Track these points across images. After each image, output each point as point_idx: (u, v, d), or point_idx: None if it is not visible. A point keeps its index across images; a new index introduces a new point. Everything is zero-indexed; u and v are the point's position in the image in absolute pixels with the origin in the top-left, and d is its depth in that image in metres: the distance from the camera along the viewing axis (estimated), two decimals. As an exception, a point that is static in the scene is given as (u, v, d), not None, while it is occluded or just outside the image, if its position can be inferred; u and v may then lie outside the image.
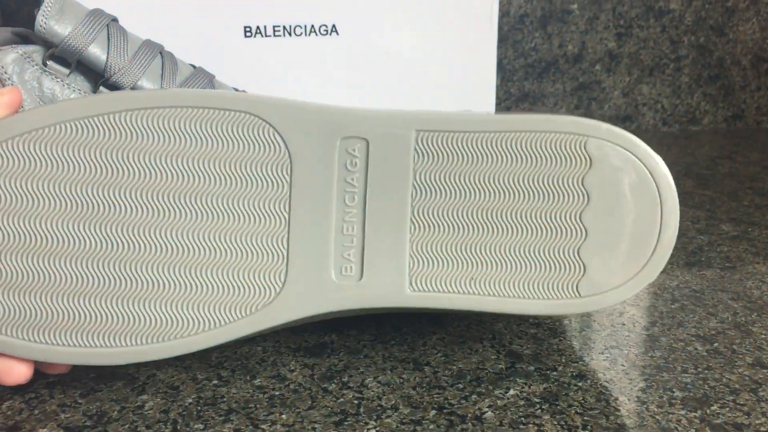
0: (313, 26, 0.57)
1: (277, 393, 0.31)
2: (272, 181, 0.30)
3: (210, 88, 0.40)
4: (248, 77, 0.56)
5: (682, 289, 0.40)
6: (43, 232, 0.29)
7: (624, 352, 0.34)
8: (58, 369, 0.31)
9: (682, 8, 0.74)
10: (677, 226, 0.31)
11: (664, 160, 0.31)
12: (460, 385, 0.31)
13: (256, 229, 0.30)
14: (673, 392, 0.31)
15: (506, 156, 0.30)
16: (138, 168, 0.29)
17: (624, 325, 0.37)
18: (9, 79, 0.34)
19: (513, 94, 0.74)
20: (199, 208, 0.29)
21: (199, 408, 0.30)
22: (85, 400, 0.30)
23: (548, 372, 0.32)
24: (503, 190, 0.31)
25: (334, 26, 0.57)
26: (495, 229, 0.31)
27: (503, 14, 0.71)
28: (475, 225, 0.31)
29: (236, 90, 0.42)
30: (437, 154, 0.30)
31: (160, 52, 0.39)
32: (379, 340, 0.35)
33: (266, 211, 0.30)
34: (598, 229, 0.31)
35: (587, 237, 0.31)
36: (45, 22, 0.35)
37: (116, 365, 0.30)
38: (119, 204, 0.29)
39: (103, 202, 0.29)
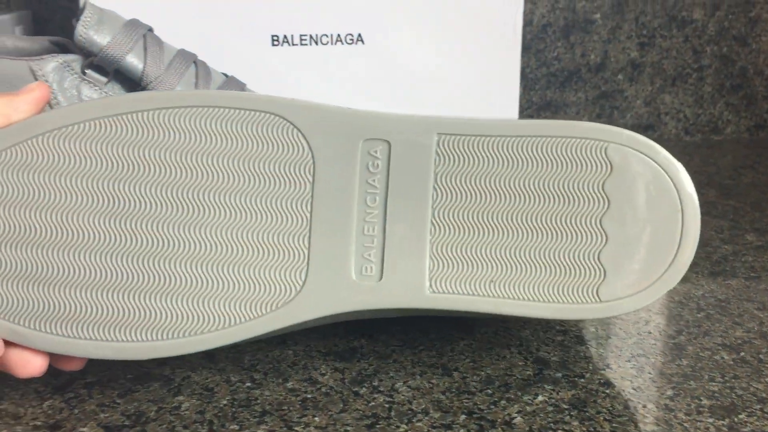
0: (339, 35, 0.57)
1: (309, 396, 0.32)
2: (295, 181, 0.31)
3: (242, 96, 0.41)
4: (275, 85, 0.56)
5: (708, 299, 0.41)
6: (68, 225, 0.30)
7: (651, 361, 0.34)
8: (72, 364, 0.31)
9: (705, 18, 0.74)
10: (698, 234, 0.31)
11: (686, 169, 0.31)
12: (489, 391, 0.32)
13: (278, 227, 0.31)
14: (701, 401, 0.31)
15: (527, 160, 0.31)
16: (163, 165, 0.30)
17: (650, 333, 0.37)
18: (50, 86, 0.35)
19: (535, 103, 0.74)
20: (221, 205, 0.30)
21: (233, 409, 0.31)
22: (123, 400, 0.31)
23: (576, 379, 0.33)
24: (524, 194, 0.31)
25: (359, 35, 0.58)
26: (515, 232, 0.31)
27: (526, 23, 0.72)
28: (495, 227, 0.31)
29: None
30: (458, 158, 0.31)
31: (194, 61, 0.40)
32: (407, 345, 0.36)
33: (288, 210, 0.31)
34: (618, 234, 0.31)
35: (607, 242, 0.31)
36: (85, 32, 0.36)
37: (135, 360, 0.31)
38: (143, 200, 0.30)
39: (127, 198, 0.30)
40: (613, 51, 0.74)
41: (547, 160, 0.31)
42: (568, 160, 0.31)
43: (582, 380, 0.33)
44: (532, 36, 0.72)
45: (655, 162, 0.31)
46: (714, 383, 0.32)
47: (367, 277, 0.31)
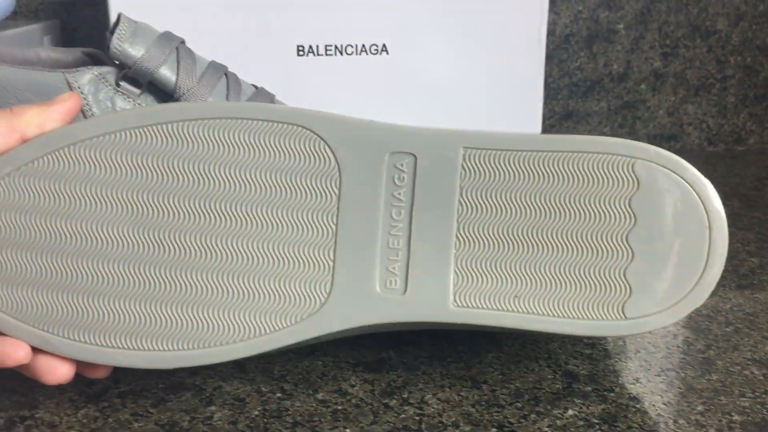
0: (364, 45, 0.58)
1: (339, 407, 0.32)
2: (321, 193, 0.31)
3: (271, 107, 0.41)
4: (301, 95, 0.57)
5: (736, 312, 0.41)
6: (98, 235, 0.30)
7: (680, 375, 0.34)
8: (98, 372, 0.32)
9: (729, 28, 0.74)
10: (726, 251, 0.31)
11: (710, 179, 0.31)
12: (519, 404, 0.32)
13: (304, 238, 0.31)
14: (732, 416, 0.31)
15: (553, 175, 0.31)
16: (191, 176, 0.30)
17: (679, 347, 0.37)
18: (85, 98, 0.36)
19: (557, 113, 0.74)
20: (248, 216, 0.31)
21: (265, 420, 0.31)
22: (156, 410, 0.32)
23: (605, 393, 0.33)
24: (550, 209, 0.31)
25: (384, 46, 0.58)
26: (540, 247, 0.31)
27: (549, 33, 0.72)
28: (520, 242, 0.31)
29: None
30: (484, 172, 0.31)
31: (225, 73, 0.40)
32: (435, 357, 0.36)
33: (314, 222, 0.31)
34: (644, 251, 0.31)
35: (634, 258, 0.31)
36: (119, 45, 0.36)
37: (161, 368, 0.31)
38: (172, 210, 0.30)
39: (156, 208, 0.30)
40: (636, 61, 0.74)
41: (573, 176, 0.31)
42: (595, 176, 0.31)
43: (612, 394, 0.33)
44: (554, 46, 0.72)
45: (683, 178, 0.31)
46: (745, 399, 0.32)
47: (392, 291, 0.31)
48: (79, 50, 0.42)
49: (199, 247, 0.30)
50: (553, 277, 0.31)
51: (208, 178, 0.30)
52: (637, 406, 0.32)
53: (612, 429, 0.30)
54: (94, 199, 0.30)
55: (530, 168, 0.31)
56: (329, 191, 0.31)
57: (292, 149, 0.31)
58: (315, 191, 0.31)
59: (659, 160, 0.31)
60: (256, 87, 0.42)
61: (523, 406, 0.32)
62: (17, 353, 0.29)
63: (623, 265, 0.31)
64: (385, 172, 0.31)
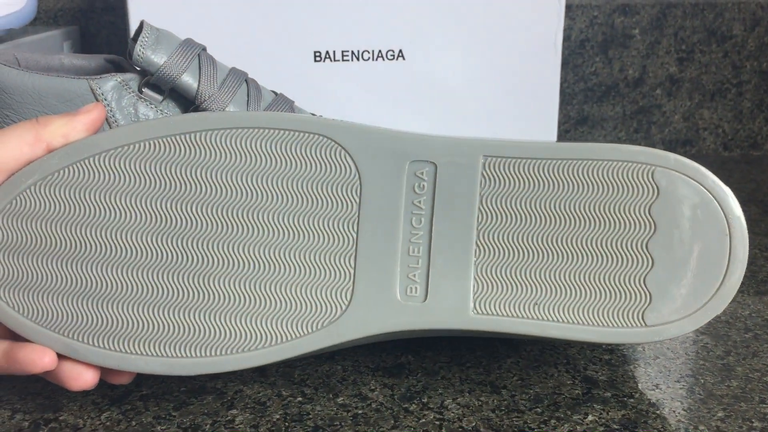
0: (380, 51, 0.58)
1: (360, 412, 0.32)
2: (341, 201, 0.31)
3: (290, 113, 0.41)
4: (317, 100, 0.57)
5: (755, 318, 0.41)
6: (122, 243, 0.30)
7: (700, 381, 0.34)
8: (121, 378, 0.32)
9: (745, 33, 0.74)
10: (746, 258, 0.31)
11: (726, 185, 0.31)
12: (539, 410, 0.32)
13: (325, 247, 0.31)
14: (752, 422, 0.31)
15: (573, 183, 0.31)
16: (214, 184, 0.31)
17: (698, 353, 0.37)
18: (108, 105, 0.36)
19: (572, 118, 0.74)
20: (270, 224, 0.31)
21: (286, 424, 0.31)
22: (178, 413, 0.32)
23: (625, 399, 0.33)
24: (569, 217, 0.31)
25: (400, 51, 0.58)
26: (560, 255, 0.31)
27: (564, 38, 0.72)
28: (540, 250, 0.31)
29: (314, 116, 0.43)
30: (504, 180, 0.31)
31: (245, 80, 0.41)
32: (454, 362, 0.36)
33: (335, 230, 0.31)
34: (664, 258, 0.31)
35: (653, 266, 0.31)
36: (142, 52, 0.37)
37: (182, 375, 0.31)
38: (195, 219, 0.31)
39: (180, 217, 0.31)
40: (652, 66, 0.74)
41: (593, 183, 0.31)
42: (614, 184, 0.31)
43: (631, 400, 0.33)
44: (570, 51, 0.72)
45: (703, 186, 0.31)
46: (765, 405, 0.32)
47: (412, 298, 0.32)
48: (102, 57, 0.42)
49: (221, 256, 0.31)
50: (572, 284, 0.31)
51: (231, 188, 0.31)
52: (657, 411, 0.32)
53: (632, 435, 0.30)
54: (119, 209, 0.31)
55: (550, 176, 0.31)
56: (350, 200, 0.31)
57: (313, 158, 0.31)
58: (336, 200, 0.31)
59: (679, 168, 0.31)
60: (275, 93, 0.42)
61: (543, 412, 0.32)
62: (43, 360, 0.30)
63: (643, 272, 0.31)
64: (405, 181, 0.31)
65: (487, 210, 0.31)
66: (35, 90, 0.36)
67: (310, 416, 0.32)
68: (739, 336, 0.39)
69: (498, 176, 0.31)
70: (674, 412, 0.32)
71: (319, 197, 0.31)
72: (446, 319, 0.32)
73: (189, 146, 0.31)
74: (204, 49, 0.39)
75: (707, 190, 0.31)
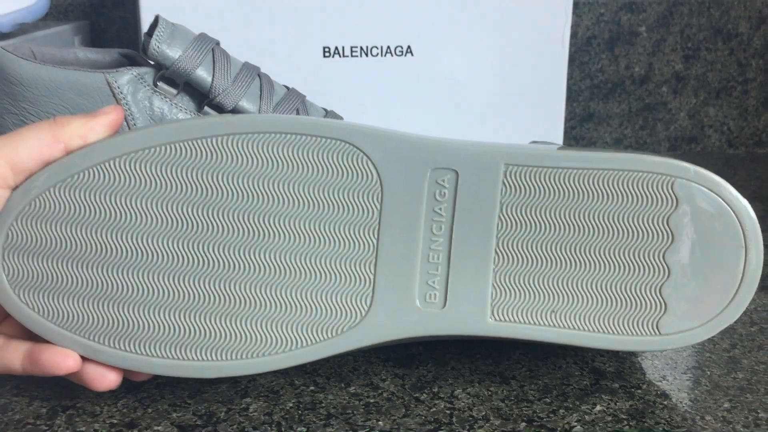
0: (389, 47, 0.59)
1: (372, 401, 0.32)
2: (363, 208, 0.31)
3: (302, 108, 0.42)
4: (326, 95, 0.58)
5: (760, 312, 0.41)
6: (144, 247, 0.30)
7: (706, 373, 0.35)
8: (142, 376, 0.32)
9: (751, 31, 0.74)
10: (760, 271, 0.31)
11: (730, 182, 0.31)
12: (548, 400, 0.33)
13: (345, 253, 0.31)
14: (758, 413, 0.32)
15: (593, 192, 0.31)
16: (236, 190, 0.31)
17: (704, 346, 0.37)
18: (124, 98, 0.37)
19: (578, 114, 0.75)
20: (291, 230, 0.31)
21: (300, 412, 0.32)
22: (193, 400, 0.32)
23: (633, 390, 0.33)
24: (588, 226, 0.31)
25: (409, 47, 0.59)
26: (578, 264, 0.32)
27: (571, 36, 0.72)
28: (558, 258, 0.31)
29: (326, 110, 0.44)
30: (524, 188, 0.31)
31: (258, 74, 0.41)
32: (464, 353, 0.36)
33: (355, 237, 0.31)
34: (680, 269, 0.31)
35: (669, 276, 0.31)
36: (158, 46, 0.37)
37: (202, 378, 0.32)
38: (216, 224, 0.31)
39: (200, 222, 0.31)
40: (658, 63, 0.74)
41: (613, 193, 0.31)
42: (634, 194, 0.31)
43: (639, 391, 0.33)
44: (576, 48, 0.73)
45: (721, 198, 0.31)
46: (770, 397, 0.33)
47: (431, 305, 0.32)
48: (116, 51, 0.43)
49: (241, 261, 0.31)
50: (589, 292, 0.32)
51: (252, 193, 0.31)
52: (665, 402, 0.32)
53: (640, 424, 0.31)
54: (141, 212, 0.30)
55: (571, 185, 0.31)
56: (371, 206, 0.31)
57: (335, 164, 0.31)
58: (357, 206, 0.31)
59: (698, 180, 0.31)
60: (287, 87, 0.43)
61: (552, 402, 0.32)
62: (66, 362, 0.30)
63: (659, 282, 0.31)
64: (426, 188, 0.31)
65: (508, 218, 0.31)
66: (52, 83, 0.37)
67: (323, 404, 0.32)
68: (745, 329, 0.39)
69: (519, 184, 0.31)
70: (681, 402, 0.32)
71: (340, 203, 0.31)
72: (464, 326, 0.32)
73: (211, 150, 0.30)
74: (218, 43, 0.40)
75: (725, 202, 0.31)
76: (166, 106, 0.38)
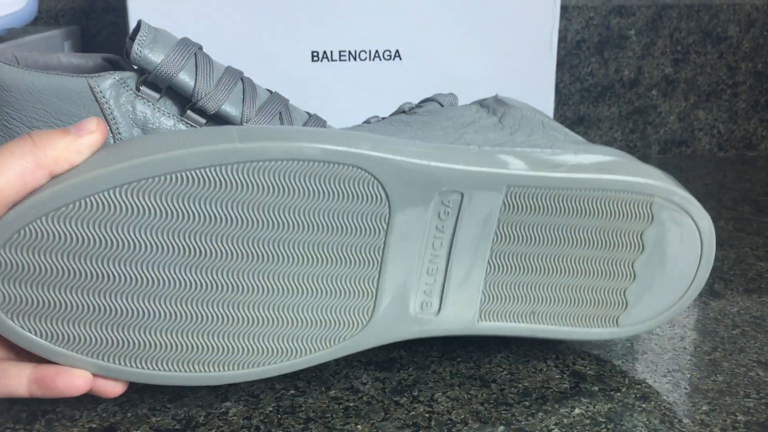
0: (377, 51, 0.59)
1: (351, 404, 0.33)
2: (370, 229, 0.31)
3: (285, 112, 0.42)
4: (315, 99, 0.58)
5: (743, 315, 0.41)
6: (148, 275, 0.29)
7: (686, 376, 0.35)
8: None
9: (740, 35, 0.74)
10: (707, 277, 0.35)
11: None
12: (527, 403, 0.33)
13: (351, 272, 0.31)
14: (737, 416, 0.32)
15: (582, 210, 0.33)
16: (243, 217, 0.29)
17: (686, 349, 0.37)
18: (106, 103, 0.37)
19: (568, 118, 0.75)
20: (299, 254, 0.31)
21: (279, 416, 0.32)
22: (173, 405, 0.32)
23: (612, 393, 0.33)
24: (574, 239, 0.33)
25: (397, 51, 0.59)
26: (560, 272, 0.34)
27: (560, 39, 0.72)
28: (544, 268, 0.34)
29: (309, 114, 0.44)
30: (522, 207, 0.32)
31: (241, 78, 0.41)
32: (446, 357, 0.37)
33: (361, 256, 0.31)
34: (645, 274, 0.34)
35: (635, 280, 0.34)
36: (140, 51, 0.37)
37: (212, 386, 0.32)
38: (222, 251, 0.30)
39: (207, 249, 0.29)
40: (647, 67, 0.74)
41: (599, 211, 0.33)
42: (617, 212, 0.33)
43: (618, 394, 0.33)
44: (566, 52, 0.73)
45: (690, 215, 0.34)
46: (749, 399, 0.33)
47: (427, 312, 0.33)
48: (99, 56, 0.43)
49: (248, 284, 0.30)
50: (567, 296, 0.34)
51: (261, 220, 0.30)
52: (643, 405, 0.32)
53: (617, 427, 0.31)
54: (143, 242, 0.29)
55: (564, 204, 0.33)
56: (378, 227, 0.31)
57: (345, 189, 0.30)
58: (365, 228, 0.31)
59: (673, 199, 0.33)
60: (270, 91, 0.43)
61: (531, 405, 0.32)
62: (82, 384, 0.29)
63: (625, 286, 0.34)
64: (432, 208, 0.32)
65: (504, 233, 0.33)
66: (35, 88, 0.37)
67: (302, 408, 0.32)
68: (727, 332, 0.39)
69: (517, 204, 0.32)
70: (660, 406, 0.32)
71: (348, 226, 0.31)
72: (455, 329, 0.34)
73: (218, 180, 0.29)
74: (200, 48, 0.40)
75: (693, 220, 0.34)
76: (149, 110, 0.38)
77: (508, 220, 0.32)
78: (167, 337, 0.30)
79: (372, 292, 0.32)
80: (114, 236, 0.28)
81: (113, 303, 0.29)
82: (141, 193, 0.28)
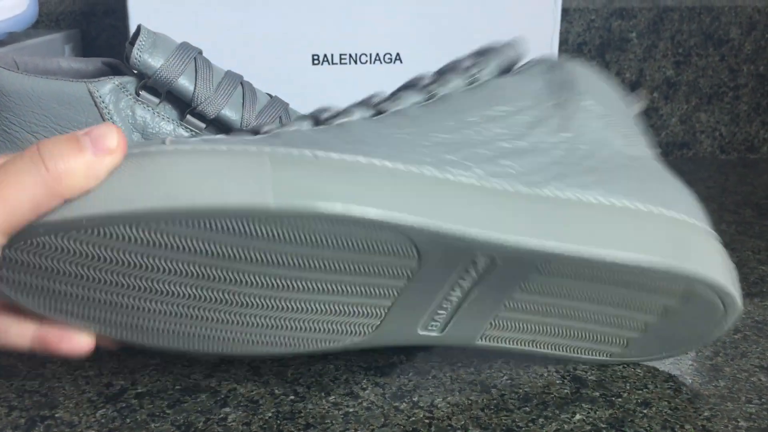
0: (377, 54, 0.59)
1: (351, 410, 0.32)
2: (394, 275, 0.31)
3: (285, 115, 0.42)
4: (316, 103, 0.58)
5: (745, 320, 0.41)
6: (167, 289, 0.29)
7: (688, 381, 0.35)
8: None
9: (742, 37, 0.74)
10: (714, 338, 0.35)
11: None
12: (527, 408, 0.33)
13: (365, 300, 0.31)
14: (738, 422, 0.31)
15: (610, 281, 0.32)
16: (263, 259, 0.29)
17: (687, 354, 0.37)
18: (106, 107, 0.37)
19: (570, 121, 0.75)
20: (315, 287, 0.30)
21: (278, 422, 0.32)
22: (172, 410, 0.32)
23: (613, 398, 0.33)
24: (593, 299, 0.33)
25: (398, 55, 0.59)
26: (572, 318, 0.34)
27: (561, 42, 0.72)
28: (556, 314, 0.34)
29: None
30: (553, 273, 0.32)
31: (241, 83, 0.41)
32: (446, 362, 0.36)
33: (378, 291, 0.31)
34: (656, 331, 0.34)
35: (645, 332, 0.34)
36: (140, 55, 0.37)
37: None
38: (239, 280, 0.29)
39: (225, 277, 0.29)
40: (649, 69, 0.74)
41: (631, 284, 0.32)
42: (649, 287, 0.32)
43: (619, 400, 0.33)
44: (567, 54, 0.73)
45: (722, 302, 0.33)
46: (751, 405, 0.33)
47: (431, 331, 0.33)
48: (99, 60, 0.43)
49: (253, 302, 0.30)
50: (570, 333, 0.34)
51: (280, 263, 0.29)
52: (644, 411, 0.32)
53: (619, 433, 0.31)
54: (155, 266, 0.28)
55: (589, 274, 0.32)
56: (403, 274, 0.31)
57: (378, 247, 0.29)
58: (389, 273, 0.31)
59: (703, 280, 0.32)
60: (270, 95, 0.43)
61: (531, 411, 0.32)
62: (79, 346, 0.30)
63: (632, 335, 0.35)
64: (460, 266, 0.31)
65: (527, 287, 0.32)
66: (34, 93, 0.37)
67: (302, 414, 0.32)
68: (729, 337, 0.39)
69: (550, 270, 0.31)
70: (661, 411, 0.32)
71: (372, 271, 0.30)
72: (454, 343, 0.34)
73: (244, 231, 0.28)
74: (200, 52, 0.40)
75: (724, 305, 0.33)
76: (149, 115, 0.38)
77: (534, 279, 0.32)
78: (173, 325, 0.30)
79: (381, 314, 0.32)
80: (127, 259, 0.28)
81: (119, 300, 0.29)
82: (159, 232, 0.27)
